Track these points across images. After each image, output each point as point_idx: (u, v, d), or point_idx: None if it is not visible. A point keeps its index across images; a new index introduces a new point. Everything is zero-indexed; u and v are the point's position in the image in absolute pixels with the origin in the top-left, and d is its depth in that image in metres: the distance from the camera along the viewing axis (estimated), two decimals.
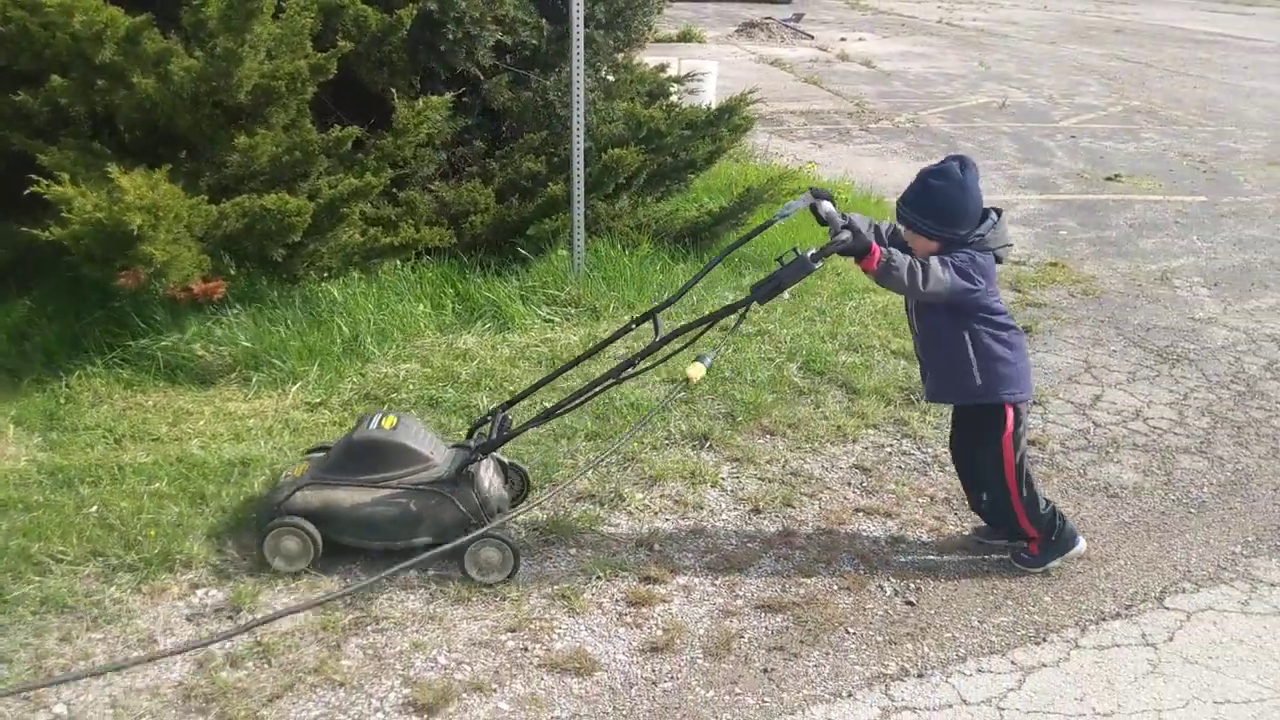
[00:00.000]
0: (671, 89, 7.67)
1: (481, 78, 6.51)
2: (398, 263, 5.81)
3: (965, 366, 3.51)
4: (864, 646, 3.38)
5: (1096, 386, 5.28)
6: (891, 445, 4.63)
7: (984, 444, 3.67)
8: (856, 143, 10.77)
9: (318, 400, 4.75)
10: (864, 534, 3.99)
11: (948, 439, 3.98)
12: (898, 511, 4.13)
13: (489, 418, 3.98)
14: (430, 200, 6.09)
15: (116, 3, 4.94)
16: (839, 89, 13.91)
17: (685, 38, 17.45)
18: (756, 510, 4.11)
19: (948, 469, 4.43)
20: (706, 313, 3.94)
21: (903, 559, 3.84)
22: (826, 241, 3.40)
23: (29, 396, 4.60)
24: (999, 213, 3.51)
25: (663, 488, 4.23)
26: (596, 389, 3.73)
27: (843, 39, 19.06)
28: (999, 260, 3.50)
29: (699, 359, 3.46)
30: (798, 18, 21.05)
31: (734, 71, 13.93)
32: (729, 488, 4.26)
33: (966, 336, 3.49)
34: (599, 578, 3.64)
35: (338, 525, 3.57)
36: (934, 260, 3.35)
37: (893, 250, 3.34)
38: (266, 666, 3.14)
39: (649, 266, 6.17)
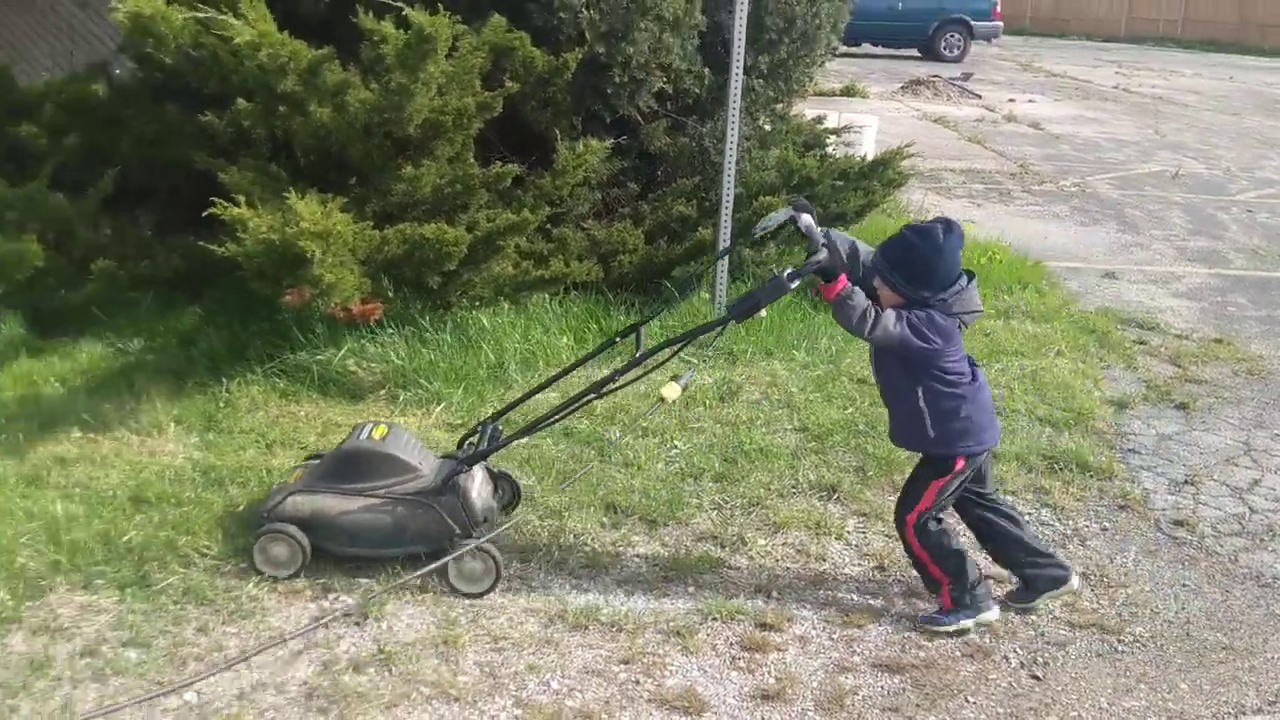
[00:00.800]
0: (827, 140, 7.69)
1: (641, 122, 6.66)
2: (546, 296, 5.96)
3: (919, 420, 3.56)
4: (984, 717, 3.27)
5: (1256, 470, 5.02)
6: (1029, 514, 4.49)
7: (915, 480, 3.70)
8: (1017, 204, 10.54)
9: (459, 421, 4.90)
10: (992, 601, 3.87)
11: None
12: None
13: (479, 429, 4.05)
14: (582, 238, 6.24)
15: (300, 36, 5.26)
16: (1003, 149, 13.66)
17: (848, 92, 17.44)
18: (881, 568, 4.04)
19: (1088, 543, 4.28)
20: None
21: (1031, 631, 3.71)
22: (804, 261, 3.48)
23: (191, 398, 4.88)
24: (971, 276, 3.53)
25: (786, 535, 4.20)
26: (579, 402, 3.81)
27: (1011, 100, 18.72)
28: (964, 325, 3.55)
29: (675, 379, 3.54)
30: (966, 77, 20.80)
31: (895, 127, 13.82)
32: (854, 542, 4.20)
33: (920, 391, 3.54)
34: (715, 619, 3.63)
35: (325, 532, 3.65)
36: (890, 312, 3.41)
37: (856, 289, 3.41)
38: (387, 674, 3.24)
39: (789, 314, 6.17)
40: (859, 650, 3.54)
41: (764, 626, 3.62)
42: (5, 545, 3.56)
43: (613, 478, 4.50)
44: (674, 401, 3.59)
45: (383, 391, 5.09)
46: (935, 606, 3.73)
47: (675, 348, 3.81)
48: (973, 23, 25.33)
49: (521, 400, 4.24)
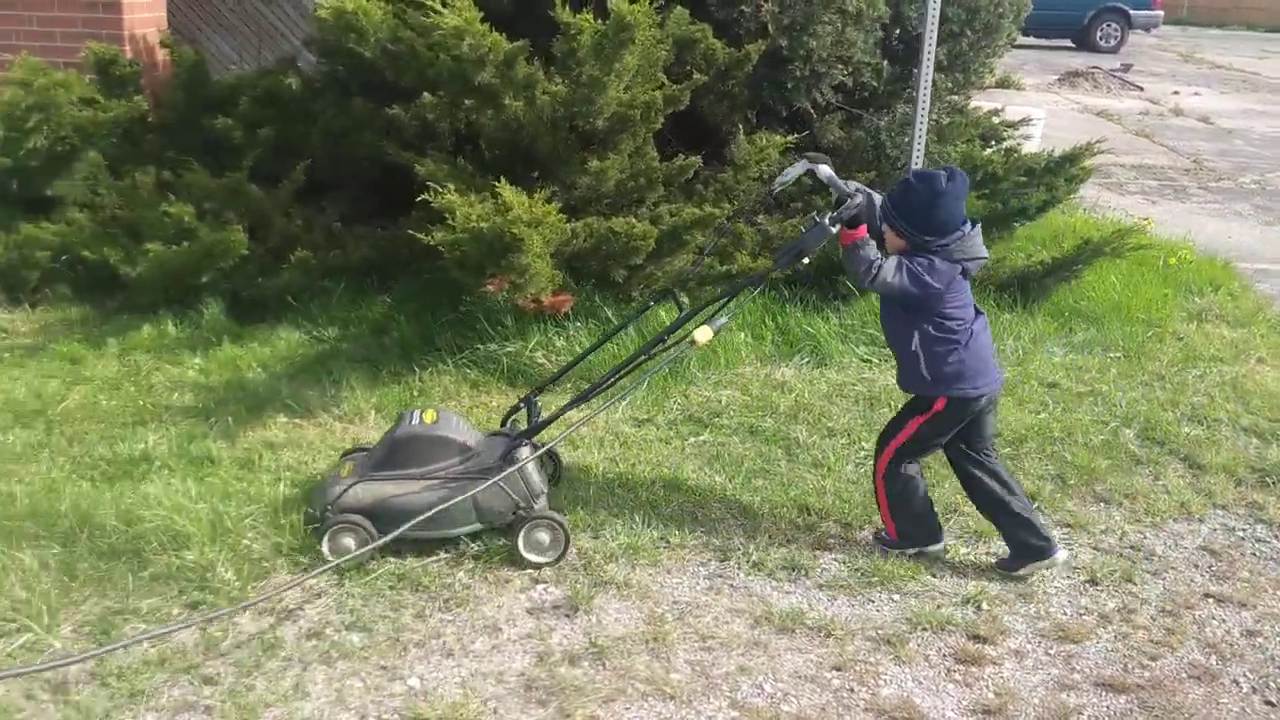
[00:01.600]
0: (1005, 134, 7.46)
1: (814, 115, 6.56)
2: (717, 291, 5.91)
3: (914, 361, 3.73)
4: None
5: None
6: (1244, 530, 4.27)
7: (899, 416, 3.91)
8: (1194, 201, 10.08)
9: (644, 417, 4.90)
10: (1215, 621, 3.68)
11: None
12: (1253, 602, 3.79)
13: (521, 405, 4.13)
14: (754, 233, 6.17)
15: (495, 30, 5.31)
16: (1173, 144, 13.08)
17: (1003, 84, 16.92)
18: (1093, 581, 3.88)
19: None
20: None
21: (1260, 655, 3.52)
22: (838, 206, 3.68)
23: (387, 386, 4.99)
24: (973, 224, 3.67)
25: (988, 544, 4.07)
26: (630, 366, 3.97)
27: (1175, 92, 17.93)
28: (966, 274, 3.69)
29: (708, 322, 3.70)
30: (1126, 68, 20.00)
31: (1057, 121, 13.37)
32: None
33: (916, 335, 3.70)
34: (924, 629, 3.54)
35: (391, 518, 3.63)
36: (890, 262, 3.60)
37: (869, 242, 3.64)
38: (601, 668, 3.25)
39: None
40: (1079, 667, 3.41)
41: (976, 639, 3.51)
42: (231, 526, 3.68)
43: (803, 478, 4.44)
44: (706, 344, 3.73)
45: (569, 385, 5.11)
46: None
47: (720, 304, 3.95)
48: (1131, 12, 24.33)
49: (560, 375, 4.47)
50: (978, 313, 3.79)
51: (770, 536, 4.02)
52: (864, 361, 5.64)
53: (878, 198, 3.73)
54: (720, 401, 5.08)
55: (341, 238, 5.91)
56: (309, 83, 6.48)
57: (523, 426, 4.08)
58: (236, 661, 3.18)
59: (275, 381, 4.91)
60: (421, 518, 3.50)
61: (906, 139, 6.62)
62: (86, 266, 5.65)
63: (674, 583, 3.71)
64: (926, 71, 5.53)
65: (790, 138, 5.86)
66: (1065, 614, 3.68)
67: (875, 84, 6.58)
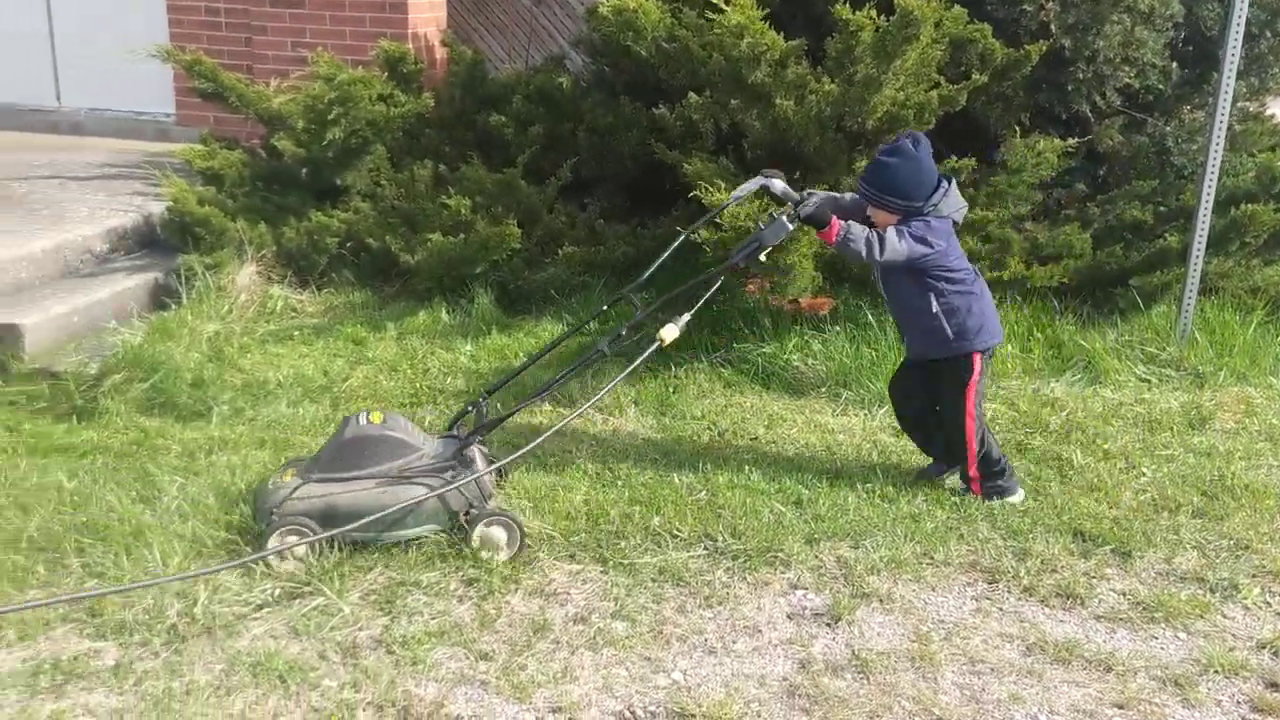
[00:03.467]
0: None
1: (1092, 119, 6.23)
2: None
3: (937, 323, 3.90)
4: None
5: None
6: None
7: (948, 394, 4.04)
8: None
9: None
10: None
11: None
12: None
13: (469, 409, 4.10)
14: (1022, 239, 5.92)
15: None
16: None
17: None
18: None
19: None
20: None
21: None
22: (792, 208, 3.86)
23: (644, 382, 5.06)
24: (950, 180, 3.85)
25: None
26: (573, 370, 4.00)
27: None
28: (956, 225, 3.90)
29: (672, 321, 3.77)
30: None
31: None
32: None
33: (932, 296, 3.87)
34: (1215, 671, 3.28)
35: (341, 520, 3.53)
36: (890, 232, 3.75)
37: (851, 224, 3.76)
38: (865, 682, 3.17)
39: (1267, 336, 5.54)
40: None
41: (1274, 687, 3.23)
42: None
43: (1077, 502, 4.20)
44: (671, 343, 3.78)
45: (823, 389, 5.05)
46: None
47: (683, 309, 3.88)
48: None
49: (513, 377, 4.44)
50: (974, 269, 3.99)
51: (1042, 561, 3.82)
52: (1142, 381, 5.31)
53: (846, 196, 3.98)
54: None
55: (603, 234, 6.04)
56: (577, 82, 6.67)
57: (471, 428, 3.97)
58: (509, 640, 3.29)
59: (540, 371, 5.07)
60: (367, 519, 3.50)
61: (1195, 146, 6.22)
62: (369, 253, 5.99)
63: (939, 601, 3.59)
64: (1229, 75, 5.13)
65: (1069, 142, 5.57)
66: None
67: (1162, 87, 6.20)
